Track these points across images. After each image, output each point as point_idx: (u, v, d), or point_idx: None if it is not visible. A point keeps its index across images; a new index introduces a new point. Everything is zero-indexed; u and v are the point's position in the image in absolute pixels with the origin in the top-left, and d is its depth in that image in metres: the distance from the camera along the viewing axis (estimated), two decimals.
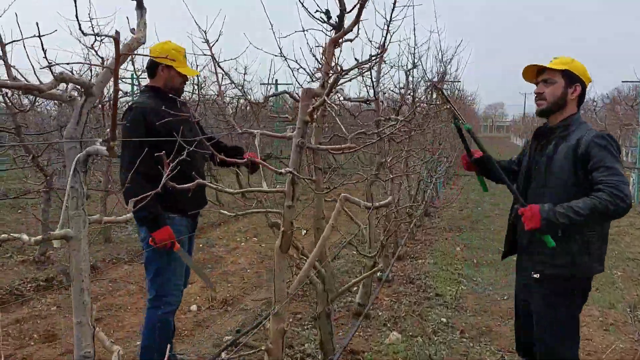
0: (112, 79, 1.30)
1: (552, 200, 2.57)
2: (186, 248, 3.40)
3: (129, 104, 3.51)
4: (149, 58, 3.26)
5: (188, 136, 2.96)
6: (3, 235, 1.34)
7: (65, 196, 1.34)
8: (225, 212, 2.60)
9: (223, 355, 2.36)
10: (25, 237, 1.30)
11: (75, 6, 1.15)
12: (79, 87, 1.30)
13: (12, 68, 1.28)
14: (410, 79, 5.96)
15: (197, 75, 10.56)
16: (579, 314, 2.78)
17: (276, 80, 11.07)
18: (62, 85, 1.47)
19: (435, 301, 5.21)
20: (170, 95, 3.14)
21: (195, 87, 10.08)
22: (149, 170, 2.55)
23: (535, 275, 2.75)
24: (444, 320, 4.73)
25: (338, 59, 2.98)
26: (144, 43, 1.43)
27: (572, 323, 2.75)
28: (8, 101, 5.95)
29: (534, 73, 2.78)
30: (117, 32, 1.03)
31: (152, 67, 3.26)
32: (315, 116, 2.48)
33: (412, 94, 6.49)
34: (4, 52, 1.26)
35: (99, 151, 1.28)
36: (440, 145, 9.46)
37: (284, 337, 2.63)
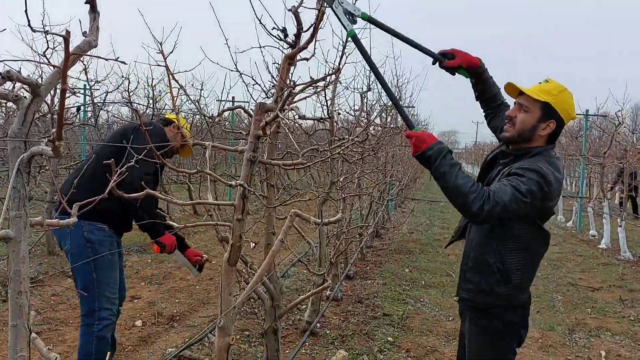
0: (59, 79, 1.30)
1: (478, 229, 2.52)
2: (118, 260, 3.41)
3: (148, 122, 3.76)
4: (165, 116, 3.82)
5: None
6: None
7: (7, 197, 1.32)
8: (174, 223, 2.58)
9: None
10: None
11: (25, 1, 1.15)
12: (27, 87, 1.30)
13: None
14: (365, 101, 6.11)
15: (152, 89, 10.40)
16: (509, 354, 2.57)
17: (233, 97, 11.07)
18: (8, 85, 1.46)
19: (383, 320, 5.27)
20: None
21: (150, 100, 9.98)
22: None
23: (455, 298, 2.68)
24: (391, 339, 4.79)
25: (292, 76, 3.04)
26: (95, 46, 1.44)
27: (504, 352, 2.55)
28: None
29: (516, 93, 2.52)
30: (68, 32, 1.04)
31: (168, 121, 3.67)
32: (268, 131, 2.52)
33: (366, 116, 6.64)
34: None
35: (44, 151, 1.27)
36: (393, 168, 9.64)
37: (228, 351, 2.62)
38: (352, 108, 6.15)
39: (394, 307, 5.71)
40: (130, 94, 9.28)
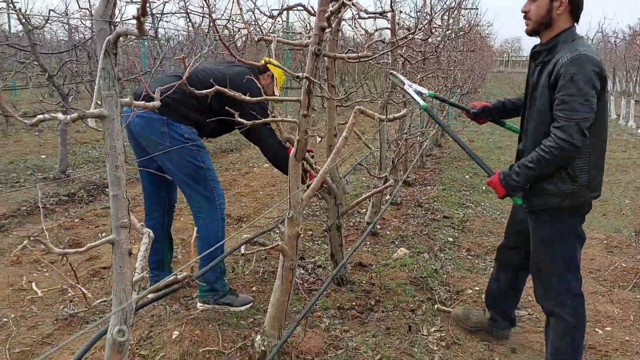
0: None
1: (533, 130, 2.54)
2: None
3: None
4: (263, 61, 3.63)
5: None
6: (39, 115, 1.42)
7: (97, 77, 1.41)
8: (241, 119, 2.66)
9: (242, 250, 2.50)
10: (60, 115, 1.38)
11: None
12: None
13: None
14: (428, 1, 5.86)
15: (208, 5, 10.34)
16: (576, 242, 2.62)
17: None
18: None
19: (443, 223, 5.36)
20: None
21: (206, 8, 9.91)
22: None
23: (525, 206, 2.68)
24: (451, 239, 4.89)
25: None
26: None
27: (567, 250, 2.61)
28: (22, 18, 5.92)
29: None
30: None
31: (264, 69, 3.59)
32: (332, 24, 2.49)
33: (429, 17, 6.39)
34: None
35: (129, 31, 1.33)
36: (454, 74, 9.34)
37: (297, 240, 2.77)
38: (414, 9, 5.92)
39: (453, 211, 5.77)
40: (187, 3, 9.26)
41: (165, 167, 3.36)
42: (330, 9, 2.37)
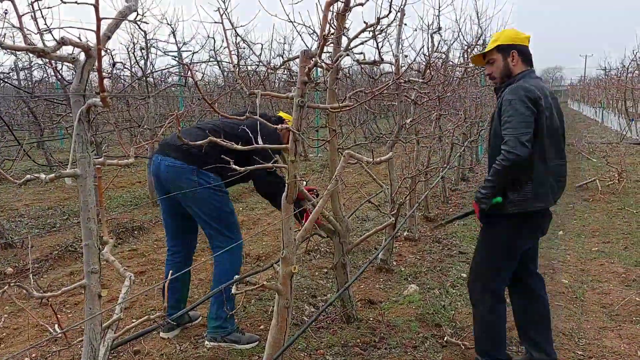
0: (106, 41, 1.55)
1: (491, 154, 2.96)
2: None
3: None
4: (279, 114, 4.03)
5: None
6: (28, 176, 1.63)
7: (72, 142, 1.62)
8: (235, 166, 2.85)
9: (233, 290, 2.65)
10: (42, 175, 1.59)
11: None
12: (81, 49, 1.57)
13: (27, 36, 1.55)
14: (437, 41, 6.03)
15: (237, 46, 10.74)
16: (514, 250, 3.00)
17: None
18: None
19: (458, 258, 5.38)
20: None
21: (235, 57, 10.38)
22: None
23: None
24: (464, 275, 4.90)
25: (350, 21, 3.15)
26: (135, 10, 1.68)
27: (498, 256, 3.02)
28: (59, 75, 6.40)
29: (482, 59, 3.13)
30: (97, 0, 1.28)
31: (281, 120, 3.82)
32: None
33: (441, 56, 6.54)
34: (21, 23, 1.54)
35: (96, 102, 1.55)
36: (478, 112, 9.41)
37: (291, 279, 2.91)
38: (424, 50, 6.08)
39: (471, 246, 5.77)
40: (216, 52, 9.74)
41: (192, 211, 3.58)
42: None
